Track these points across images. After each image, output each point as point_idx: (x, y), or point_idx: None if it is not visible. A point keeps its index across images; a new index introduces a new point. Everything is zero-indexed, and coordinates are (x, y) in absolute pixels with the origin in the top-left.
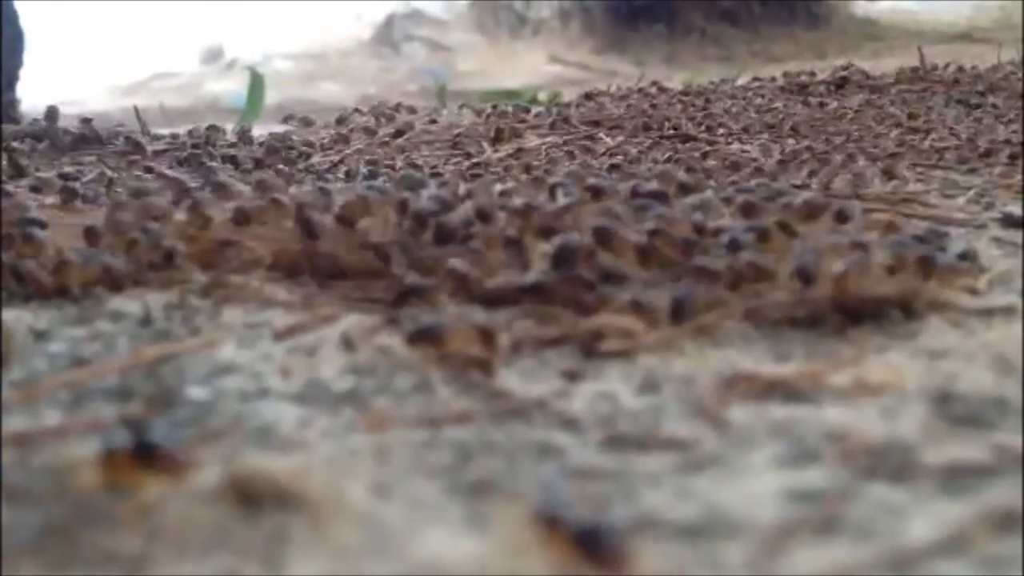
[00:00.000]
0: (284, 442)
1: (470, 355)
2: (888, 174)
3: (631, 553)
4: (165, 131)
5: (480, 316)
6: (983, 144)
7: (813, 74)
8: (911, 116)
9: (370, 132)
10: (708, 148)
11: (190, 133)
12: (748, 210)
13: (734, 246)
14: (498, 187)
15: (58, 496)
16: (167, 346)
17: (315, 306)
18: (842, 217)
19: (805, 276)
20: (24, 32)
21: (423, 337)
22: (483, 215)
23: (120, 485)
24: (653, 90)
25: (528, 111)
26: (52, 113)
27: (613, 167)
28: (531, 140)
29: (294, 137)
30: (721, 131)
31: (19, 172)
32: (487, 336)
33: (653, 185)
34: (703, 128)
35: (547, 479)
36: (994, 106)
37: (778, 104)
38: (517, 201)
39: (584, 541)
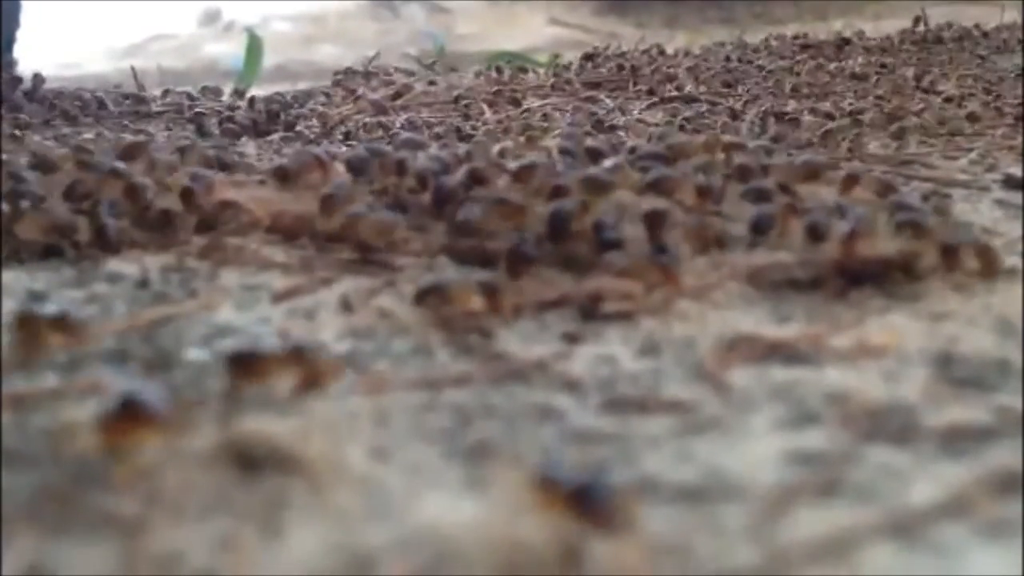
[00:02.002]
0: (283, 405)
1: (474, 311)
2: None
3: (624, 509)
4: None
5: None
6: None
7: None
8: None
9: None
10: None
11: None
12: (745, 172)
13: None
14: (496, 148)
15: (55, 459)
16: (165, 308)
17: (313, 269)
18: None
19: (817, 235)
20: None
21: (430, 295)
22: (479, 177)
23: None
24: (654, 52)
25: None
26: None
27: (613, 127)
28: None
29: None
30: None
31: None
32: (491, 292)
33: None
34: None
35: (547, 444)
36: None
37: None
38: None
39: (578, 500)
